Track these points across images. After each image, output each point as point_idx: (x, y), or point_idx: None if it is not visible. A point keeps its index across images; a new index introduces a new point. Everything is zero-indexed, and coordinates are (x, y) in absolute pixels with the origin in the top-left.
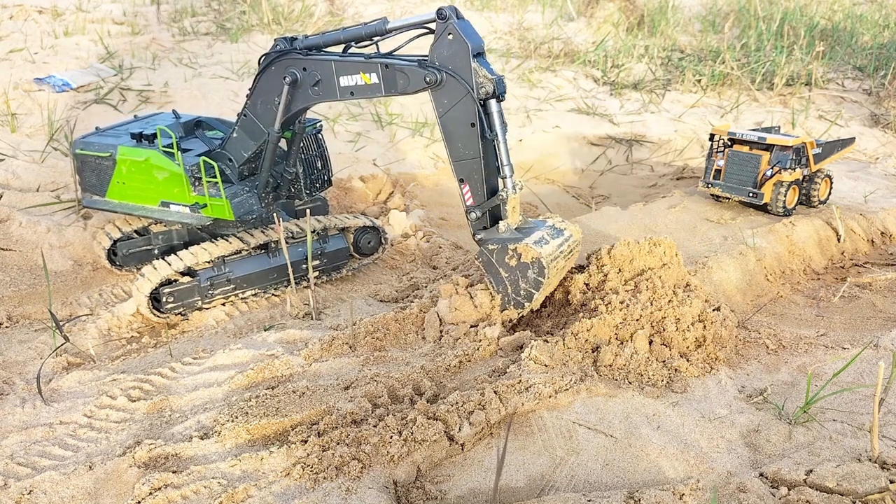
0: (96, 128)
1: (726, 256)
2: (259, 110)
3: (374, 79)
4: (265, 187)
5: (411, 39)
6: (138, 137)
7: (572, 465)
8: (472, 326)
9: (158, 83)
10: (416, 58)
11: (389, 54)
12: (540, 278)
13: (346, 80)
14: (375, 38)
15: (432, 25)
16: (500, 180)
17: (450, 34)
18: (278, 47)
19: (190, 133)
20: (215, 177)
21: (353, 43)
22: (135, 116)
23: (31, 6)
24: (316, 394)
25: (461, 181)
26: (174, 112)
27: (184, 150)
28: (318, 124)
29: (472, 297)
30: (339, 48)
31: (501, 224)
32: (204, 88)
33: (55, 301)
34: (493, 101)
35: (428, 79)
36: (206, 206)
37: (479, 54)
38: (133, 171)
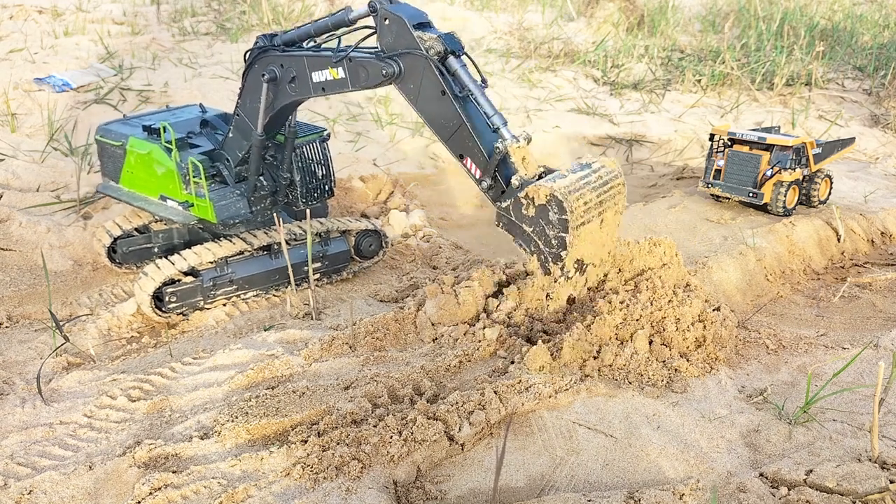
0: (124, 115)
1: (726, 256)
2: (248, 109)
3: (341, 73)
4: (254, 191)
5: (364, 38)
6: (149, 130)
7: (572, 465)
8: (462, 324)
9: (158, 83)
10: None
11: (354, 47)
12: (563, 216)
13: (317, 76)
14: (341, 30)
15: (371, 21)
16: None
17: (385, 19)
18: (259, 44)
19: (205, 128)
20: (212, 176)
21: (322, 35)
22: (167, 106)
23: (31, 6)
24: (316, 394)
25: (460, 157)
26: (200, 105)
27: (193, 147)
28: (324, 133)
29: (456, 296)
30: (316, 44)
31: (514, 179)
32: (204, 88)
33: (55, 301)
34: (451, 59)
35: (385, 71)
36: (193, 205)
37: (422, 25)
38: (139, 162)
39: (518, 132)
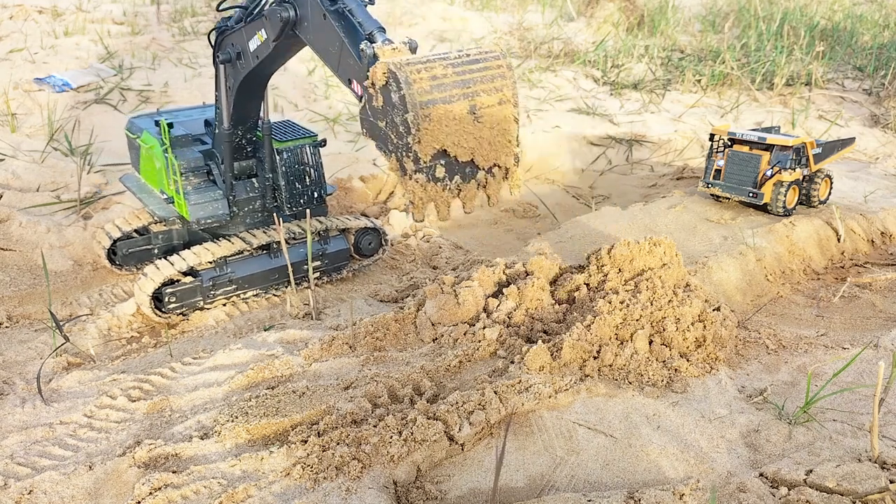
0: (157, 110)
1: (726, 256)
2: (219, 100)
3: (265, 34)
4: (231, 190)
5: None
6: (159, 126)
7: (572, 465)
8: (462, 324)
9: (158, 83)
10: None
11: (265, 3)
12: (401, 92)
13: (253, 44)
14: None
15: None
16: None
17: None
18: (218, 25)
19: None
20: (205, 175)
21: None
22: (203, 103)
23: (31, 6)
24: (316, 394)
25: (349, 83)
26: None
27: (199, 144)
28: (316, 138)
29: (456, 296)
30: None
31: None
32: (204, 88)
33: (55, 301)
34: None
35: (282, 15)
36: (173, 200)
37: None
38: (147, 155)
39: (406, 39)
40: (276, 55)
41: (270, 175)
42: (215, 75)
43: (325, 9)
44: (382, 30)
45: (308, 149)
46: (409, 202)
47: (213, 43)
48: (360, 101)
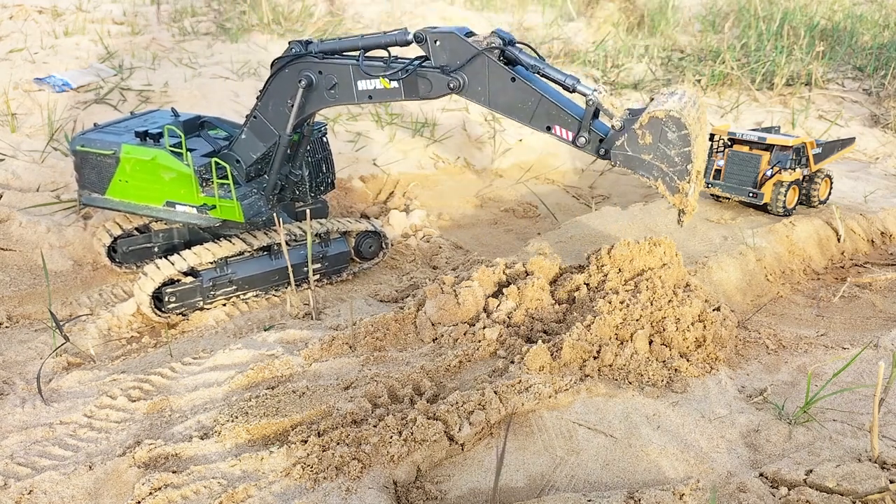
0: (94, 124)
1: (726, 256)
2: (270, 113)
3: (394, 84)
4: (273, 189)
5: (421, 60)
6: (143, 136)
7: (572, 465)
8: (462, 324)
9: (158, 83)
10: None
11: (419, 64)
12: (683, 131)
13: (364, 85)
14: (393, 48)
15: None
16: (577, 94)
17: (436, 41)
18: (294, 50)
19: (190, 132)
20: (225, 178)
21: (371, 50)
22: (131, 113)
23: (31, 6)
24: (316, 394)
25: (548, 129)
26: (173, 110)
27: (188, 150)
28: (322, 128)
29: (456, 296)
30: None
31: (614, 121)
32: (204, 88)
33: (55, 301)
34: (509, 49)
35: (451, 85)
36: (214, 207)
37: (469, 34)
38: (138, 169)
39: (592, 85)
40: (401, 100)
41: (299, 171)
42: (265, 90)
43: (521, 76)
44: (578, 80)
45: (321, 138)
46: (681, 212)
47: (276, 64)
48: (574, 143)
